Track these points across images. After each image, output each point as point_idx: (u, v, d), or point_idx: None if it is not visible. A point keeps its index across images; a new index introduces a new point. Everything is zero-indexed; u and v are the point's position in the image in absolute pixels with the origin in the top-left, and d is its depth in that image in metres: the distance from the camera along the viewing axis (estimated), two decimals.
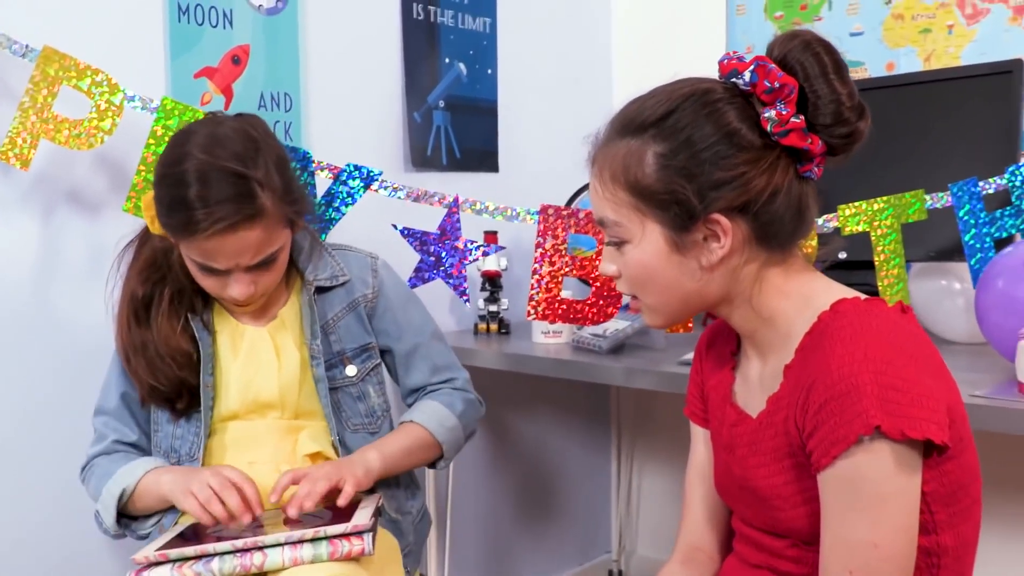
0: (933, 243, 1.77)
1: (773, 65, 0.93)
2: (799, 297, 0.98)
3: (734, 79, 0.95)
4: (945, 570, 0.94)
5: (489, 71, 2.27)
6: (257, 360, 1.43)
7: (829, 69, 0.93)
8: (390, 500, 1.49)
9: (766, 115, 0.93)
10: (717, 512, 1.16)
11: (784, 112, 0.92)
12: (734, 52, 0.97)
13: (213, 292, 1.37)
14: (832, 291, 0.98)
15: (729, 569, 1.10)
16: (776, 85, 0.92)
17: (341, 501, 1.29)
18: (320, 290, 1.48)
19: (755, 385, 1.04)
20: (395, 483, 1.51)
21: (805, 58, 0.94)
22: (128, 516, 1.41)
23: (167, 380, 1.40)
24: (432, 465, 1.54)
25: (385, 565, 1.32)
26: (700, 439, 1.18)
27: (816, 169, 0.97)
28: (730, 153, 0.93)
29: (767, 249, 0.98)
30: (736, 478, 1.05)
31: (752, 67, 0.93)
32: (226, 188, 1.25)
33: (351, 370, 1.49)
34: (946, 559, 0.94)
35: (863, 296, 0.97)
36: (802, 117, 0.93)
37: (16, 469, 1.60)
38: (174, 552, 1.18)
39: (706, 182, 0.93)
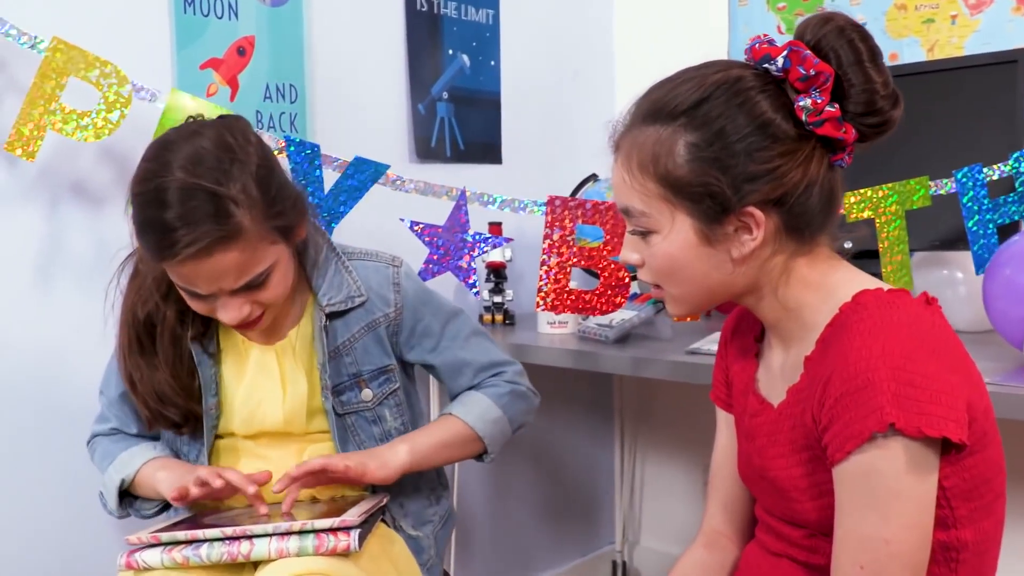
0: (935, 232, 1.77)
1: (808, 52, 0.90)
2: (824, 288, 0.97)
3: (765, 64, 0.92)
4: (964, 565, 0.93)
5: (492, 63, 2.26)
6: (262, 387, 1.36)
7: (864, 57, 0.91)
8: (405, 516, 1.44)
9: (800, 104, 0.90)
10: (738, 498, 1.16)
11: (819, 101, 0.90)
12: (764, 35, 0.94)
13: (207, 315, 1.29)
14: (856, 281, 0.96)
15: (750, 556, 1.10)
16: (811, 73, 0.89)
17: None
18: (334, 315, 1.38)
19: (777, 375, 1.03)
20: (414, 492, 1.45)
21: (840, 45, 0.91)
22: (132, 495, 1.40)
23: (174, 408, 1.35)
24: (479, 458, 1.48)
25: (380, 564, 1.29)
26: (724, 424, 1.17)
27: (847, 158, 0.95)
28: (764, 144, 0.91)
29: (796, 240, 0.96)
30: (756, 467, 1.04)
31: (785, 52, 0.90)
32: (197, 208, 1.15)
33: (367, 394, 1.41)
34: (966, 554, 0.92)
35: (887, 287, 0.95)
36: (836, 106, 0.91)
37: (18, 462, 1.59)
38: (166, 536, 1.21)
39: (740, 174, 0.91)
